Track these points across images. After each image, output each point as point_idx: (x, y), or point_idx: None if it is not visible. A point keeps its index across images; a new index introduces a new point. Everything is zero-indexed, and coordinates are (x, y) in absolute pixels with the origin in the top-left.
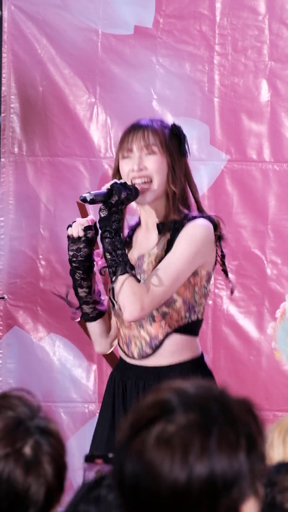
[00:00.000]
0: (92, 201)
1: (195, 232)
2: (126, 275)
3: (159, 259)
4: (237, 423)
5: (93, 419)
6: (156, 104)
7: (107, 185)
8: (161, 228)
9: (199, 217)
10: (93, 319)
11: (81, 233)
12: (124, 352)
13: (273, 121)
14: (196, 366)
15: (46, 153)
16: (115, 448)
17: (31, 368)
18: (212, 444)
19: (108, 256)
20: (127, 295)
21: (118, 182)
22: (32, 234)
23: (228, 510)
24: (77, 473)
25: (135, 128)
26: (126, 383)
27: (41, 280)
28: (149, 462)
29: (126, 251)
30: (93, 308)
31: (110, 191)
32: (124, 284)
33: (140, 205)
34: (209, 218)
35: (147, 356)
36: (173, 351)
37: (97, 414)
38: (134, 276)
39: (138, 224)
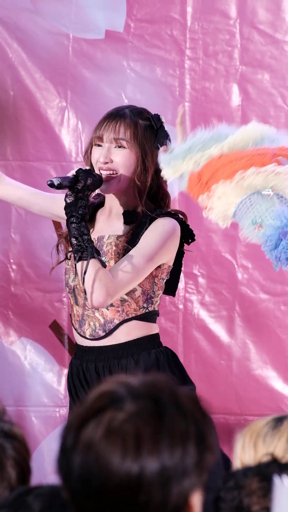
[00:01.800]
0: (59, 186)
1: (164, 228)
2: (92, 260)
3: (120, 247)
4: (186, 413)
5: (64, 424)
6: None
7: (73, 172)
8: (128, 217)
9: (168, 215)
10: None
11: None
12: (76, 330)
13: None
14: (151, 342)
15: (17, 157)
16: (61, 442)
17: (2, 372)
18: (164, 432)
19: (74, 241)
20: (93, 280)
21: (83, 168)
22: (3, 239)
23: (179, 500)
24: (49, 477)
25: (110, 118)
26: (87, 367)
27: (12, 284)
28: (100, 454)
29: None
30: None
31: (76, 177)
32: (89, 269)
33: (104, 193)
34: (177, 218)
35: (99, 338)
36: (126, 333)
37: None
38: (101, 261)
39: (100, 205)
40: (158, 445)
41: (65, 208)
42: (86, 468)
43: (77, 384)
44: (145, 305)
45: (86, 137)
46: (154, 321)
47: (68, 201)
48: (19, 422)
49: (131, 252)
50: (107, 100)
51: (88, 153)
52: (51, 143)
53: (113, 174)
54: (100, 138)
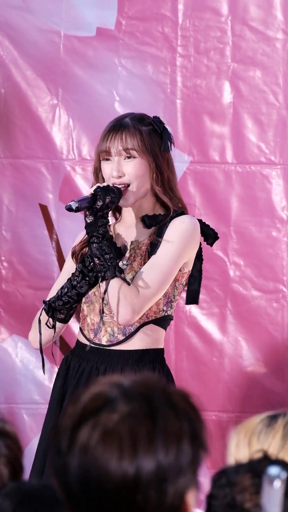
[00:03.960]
0: (78, 209)
1: (182, 228)
2: (116, 279)
3: (144, 250)
4: (178, 411)
5: (56, 424)
6: (119, 105)
7: (91, 190)
8: (147, 220)
9: (185, 213)
10: (65, 321)
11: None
12: (88, 339)
13: (235, 122)
14: (156, 356)
15: (8, 155)
16: (55, 444)
17: None
18: (158, 431)
19: (97, 261)
20: (118, 299)
21: (101, 185)
22: None
23: (175, 499)
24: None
25: (113, 130)
26: (84, 366)
27: (3, 281)
28: (97, 457)
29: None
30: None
31: (94, 196)
32: (114, 289)
33: (123, 206)
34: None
35: (117, 342)
36: (144, 339)
37: None
38: (124, 279)
39: (117, 220)
40: (153, 444)
41: (85, 228)
42: (84, 471)
43: (71, 375)
44: (164, 308)
45: (77, 135)
46: (166, 327)
47: (88, 221)
48: (10, 420)
49: (154, 260)
50: (99, 98)
51: (97, 170)
52: (42, 141)
53: (125, 187)
54: (108, 152)
